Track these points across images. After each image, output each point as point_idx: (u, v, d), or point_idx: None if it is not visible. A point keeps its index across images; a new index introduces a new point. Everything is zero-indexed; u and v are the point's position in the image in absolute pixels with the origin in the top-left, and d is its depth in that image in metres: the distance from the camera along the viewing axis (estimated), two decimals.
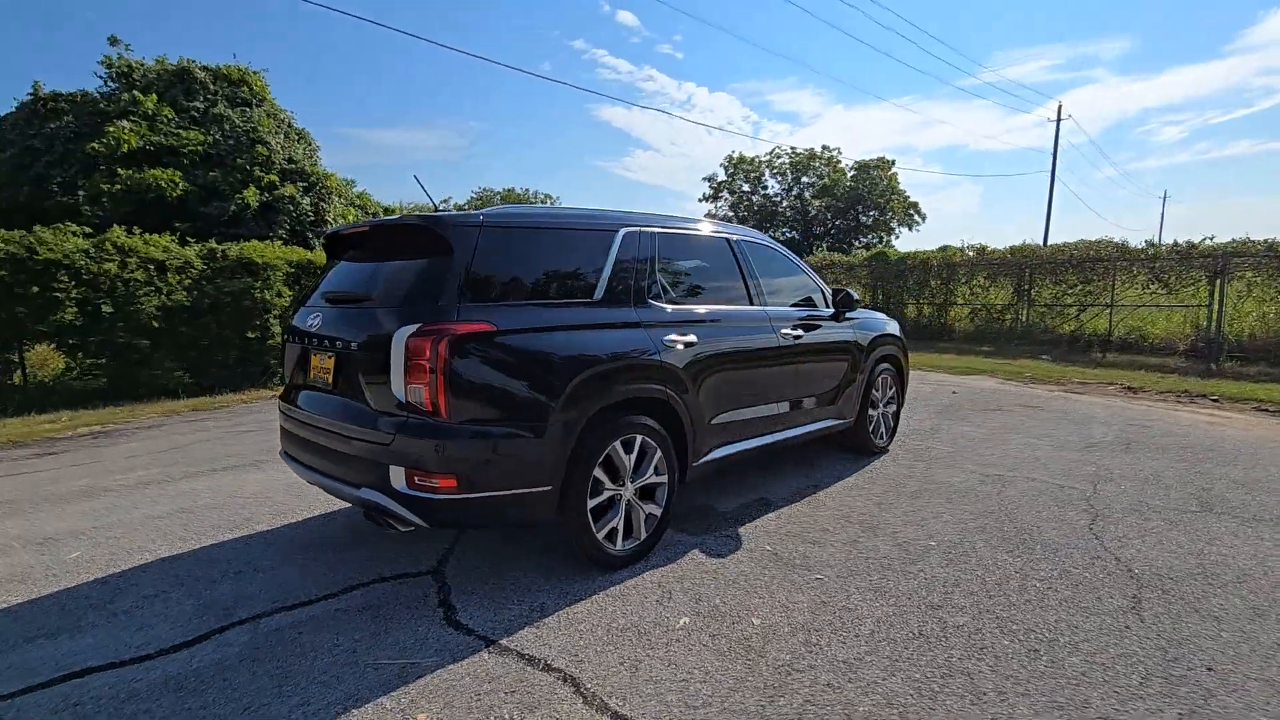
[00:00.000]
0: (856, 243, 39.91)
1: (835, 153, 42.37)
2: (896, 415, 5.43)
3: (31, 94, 15.62)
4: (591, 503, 2.96)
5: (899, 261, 15.57)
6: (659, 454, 3.26)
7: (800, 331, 4.27)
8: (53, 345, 8.59)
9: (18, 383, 8.24)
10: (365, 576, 3.02)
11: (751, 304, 4.01)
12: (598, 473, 2.97)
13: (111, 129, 13.88)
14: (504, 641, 2.47)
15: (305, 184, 15.22)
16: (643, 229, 3.48)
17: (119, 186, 13.47)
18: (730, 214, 44.82)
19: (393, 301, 2.73)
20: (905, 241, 48.48)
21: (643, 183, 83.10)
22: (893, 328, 5.37)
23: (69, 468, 5.06)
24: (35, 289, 7.79)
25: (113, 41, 16.22)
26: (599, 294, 3.12)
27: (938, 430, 6.00)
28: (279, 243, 13.48)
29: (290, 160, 15.23)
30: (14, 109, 15.76)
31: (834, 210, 40.94)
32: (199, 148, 14.48)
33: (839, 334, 4.66)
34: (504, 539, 3.45)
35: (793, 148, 43.96)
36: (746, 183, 44.25)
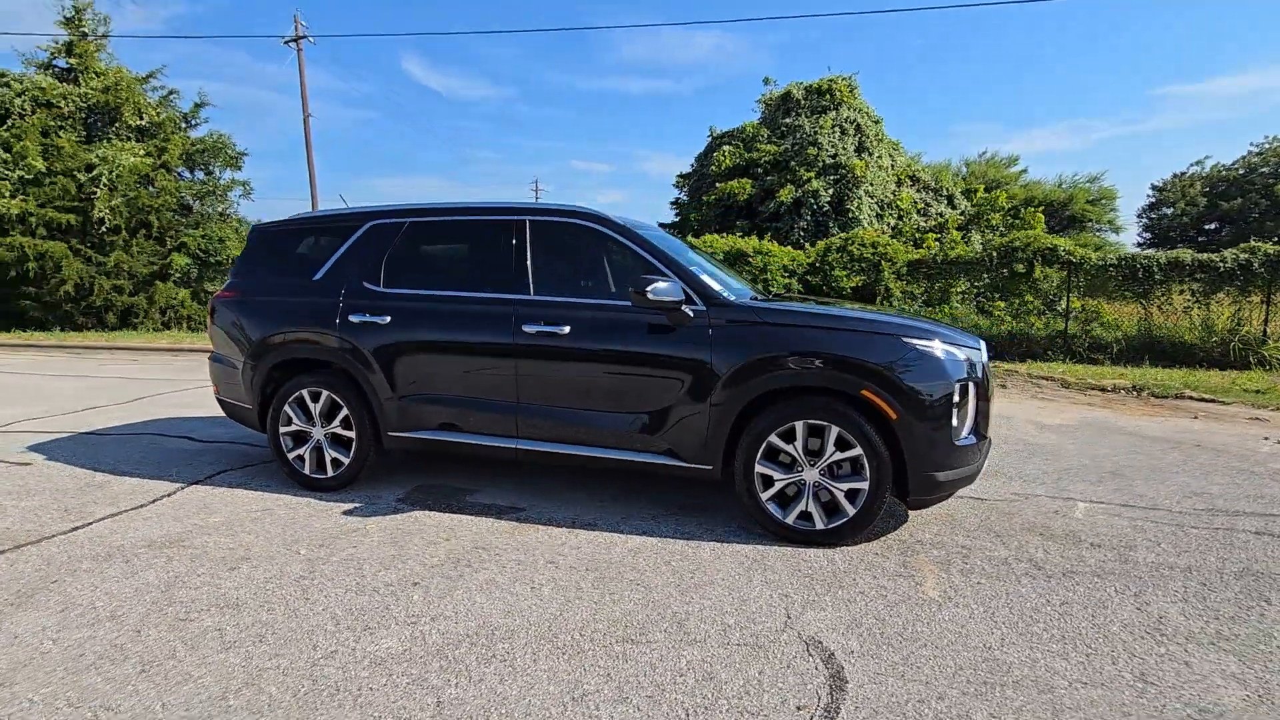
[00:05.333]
0: None
1: None
2: (873, 497, 3.08)
3: (709, 135, 22.27)
4: (283, 430, 3.96)
5: None
6: (345, 412, 3.83)
7: (567, 328, 3.42)
8: None
9: None
10: None
11: (502, 291, 3.59)
12: (289, 409, 3.93)
13: (716, 153, 18.68)
14: (178, 494, 4.02)
15: (836, 177, 16.32)
16: (391, 221, 3.90)
17: (714, 196, 18.12)
18: None
19: None
20: None
21: None
22: (888, 349, 3.06)
23: None
24: None
25: (766, 81, 21.26)
26: (319, 275, 3.93)
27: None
28: (800, 233, 15.38)
29: (833, 156, 16.60)
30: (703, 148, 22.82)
31: None
32: (770, 157, 17.66)
33: (669, 341, 3.29)
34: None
35: None
36: None
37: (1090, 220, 28.45)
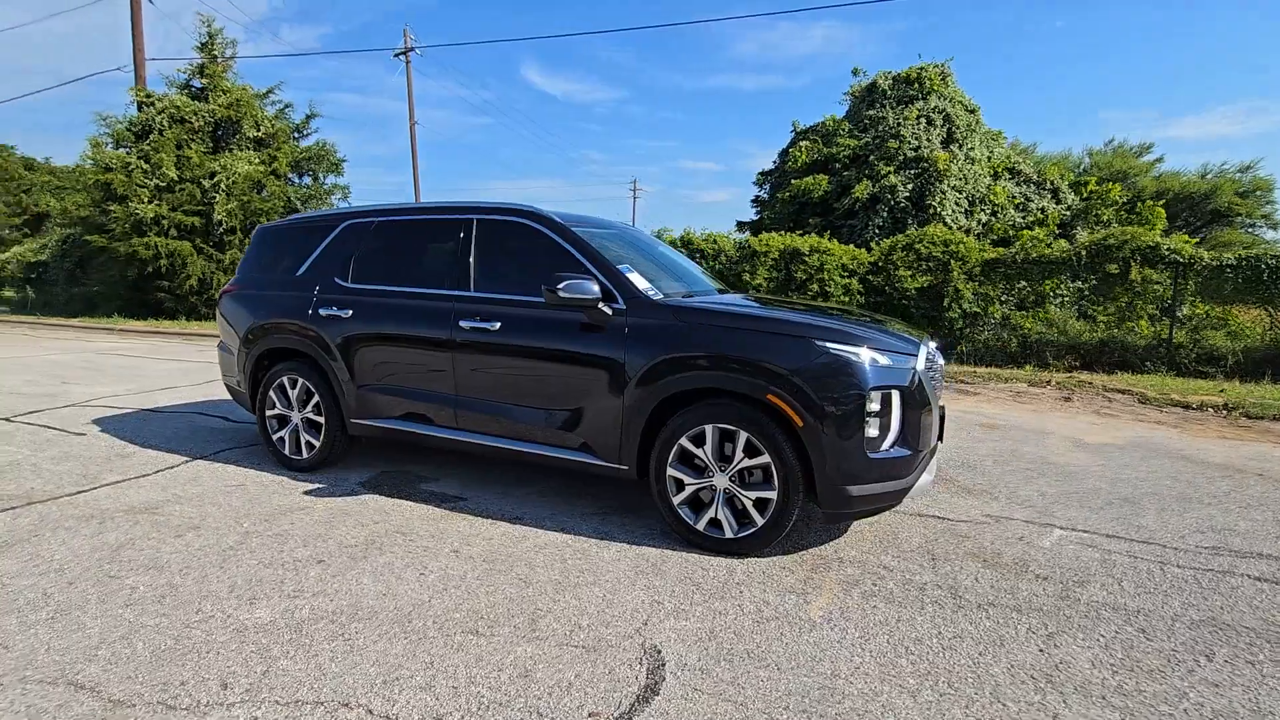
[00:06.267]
0: None
1: None
2: (781, 508, 2.92)
3: (792, 130, 21.62)
4: (268, 413, 4.31)
5: None
6: (317, 398, 4.11)
7: (498, 324, 3.49)
8: None
9: None
10: None
11: (447, 287, 3.71)
12: (273, 394, 4.27)
13: (793, 150, 18.08)
14: (180, 467, 4.46)
15: (917, 171, 15.32)
16: (364, 220, 4.14)
17: (787, 194, 17.58)
18: None
19: None
20: None
21: None
22: (795, 353, 2.90)
23: None
24: None
25: (854, 72, 20.39)
26: (300, 271, 4.23)
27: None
28: (875, 231, 14.66)
29: (916, 149, 15.60)
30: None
31: None
32: (849, 151, 16.89)
33: (588, 339, 3.27)
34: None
35: None
36: None
37: (1239, 215, 24.91)
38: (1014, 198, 16.56)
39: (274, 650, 2.30)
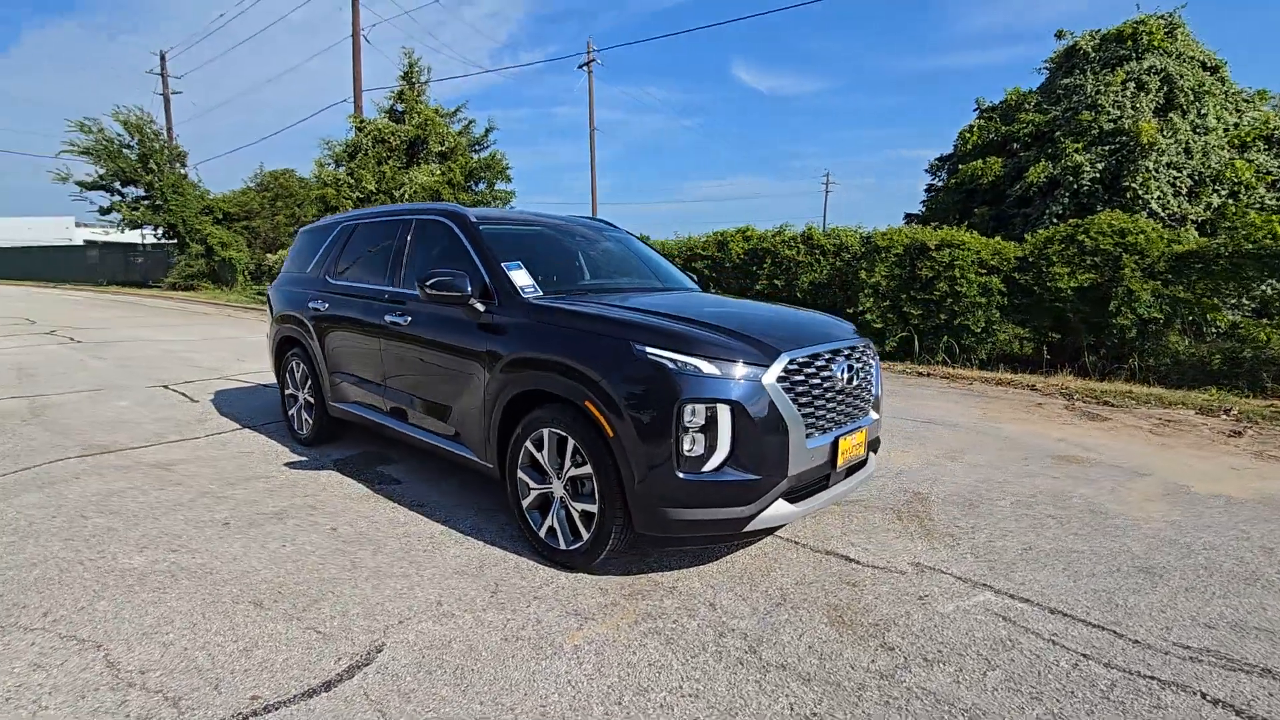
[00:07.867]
0: None
1: None
2: (601, 525, 2.69)
3: (975, 108, 19.10)
4: (285, 391, 4.95)
5: None
6: (310, 381, 4.64)
7: (409, 318, 3.64)
8: None
9: None
10: None
11: (383, 283, 3.96)
12: (286, 376, 4.90)
13: (964, 130, 15.89)
14: (227, 434, 5.27)
15: (1112, 146, 12.59)
16: (352, 222, 4.56)
17: (954, 181, 15.56)
18: None
19: None
20: None
21: None
22: (612, 356, 2.67)
23: None
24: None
25: (1059, 35, 17.55)
26: (309, 268, 4.78)
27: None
28: (1052, 220, 12.53)
29: (1115, 120, 12.84)
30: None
31: None
32: (1031, 128, 14.47)
33: (468, 335, 3.28)
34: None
35: None
36: None
37: None
38: (1266, 174, 12.94)
39: (107, 593, 2.69)
